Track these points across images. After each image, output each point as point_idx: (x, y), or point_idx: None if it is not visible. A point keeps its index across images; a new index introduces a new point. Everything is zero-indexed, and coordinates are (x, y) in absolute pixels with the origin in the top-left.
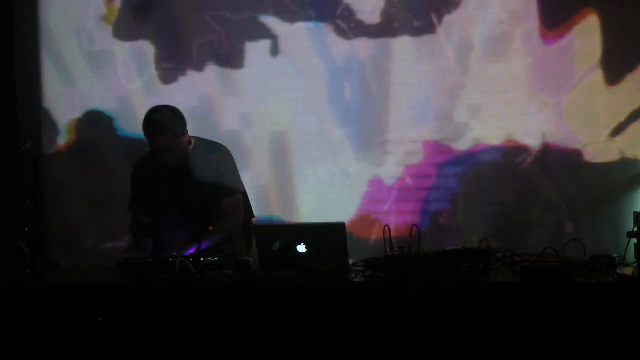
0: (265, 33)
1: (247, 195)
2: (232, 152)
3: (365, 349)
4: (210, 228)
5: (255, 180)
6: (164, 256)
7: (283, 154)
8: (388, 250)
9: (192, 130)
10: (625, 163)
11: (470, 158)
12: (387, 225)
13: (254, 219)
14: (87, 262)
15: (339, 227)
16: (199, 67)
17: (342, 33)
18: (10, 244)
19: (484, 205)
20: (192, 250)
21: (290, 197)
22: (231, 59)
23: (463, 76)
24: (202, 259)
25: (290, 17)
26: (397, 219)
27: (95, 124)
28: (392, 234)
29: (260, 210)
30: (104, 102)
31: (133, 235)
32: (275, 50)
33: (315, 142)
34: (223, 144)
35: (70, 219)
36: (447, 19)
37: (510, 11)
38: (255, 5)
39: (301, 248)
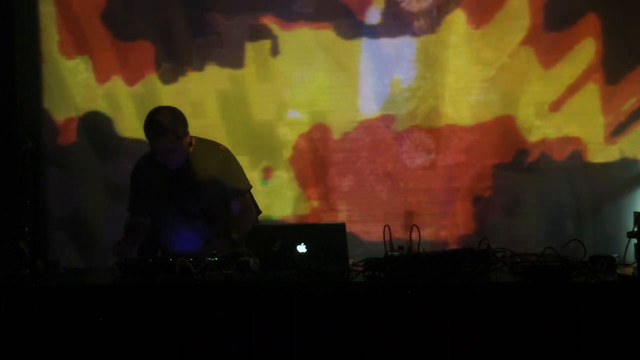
0: (266, 33)
1: (251, 192)
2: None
3: (365, 349)
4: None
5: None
6: (158, 256)
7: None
8: (388, 250)
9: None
10: (625, 163)
11: (473, 155)
12: (387, 225)
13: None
14: (88, 262)
15: (339, 227)
16: (199, 67)
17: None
18: (10, 244)
19: (486, 205)
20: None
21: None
22: (231, 59)
23: (461, 78)
24: (202, 259)
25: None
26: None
27: (95, 124)
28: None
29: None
30: (104, 103)
31: (127, 236)
32: (274, 50)
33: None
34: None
35: (69, 219)
36: (447, 19)
37: (513, 12)
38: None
39: (301, 248)
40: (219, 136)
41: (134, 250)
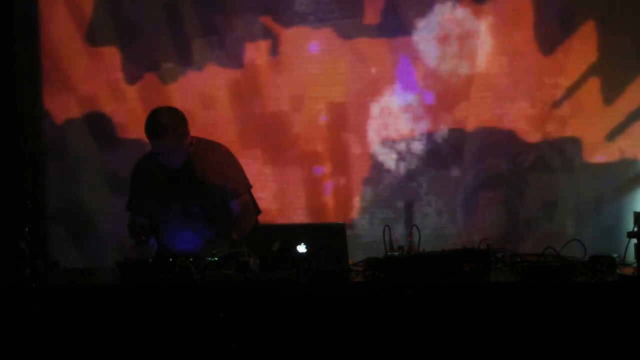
0: (266, 33)
1: (251, 192)
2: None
3: (365, 349)
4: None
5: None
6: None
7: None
8: (388, 250)
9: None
10: (625, 163)
11: (473, 155)
12: (387, 225)
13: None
14: (89, 260)
15: (339, 227)
16: (199, 67)
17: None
18: (10, 244)
19: (486, 205)
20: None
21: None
22: (231, 59)
23: (460, 78)
24: (202, 259)
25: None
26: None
27: (95, 123)
28: None
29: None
30: (104, 102)
31: (131, 235)
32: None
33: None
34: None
35: (69, 218)
36: (447, 20)
37: (514, 13)
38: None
39: (301, 248)
40: (225, 132)
41: (152, 249)
